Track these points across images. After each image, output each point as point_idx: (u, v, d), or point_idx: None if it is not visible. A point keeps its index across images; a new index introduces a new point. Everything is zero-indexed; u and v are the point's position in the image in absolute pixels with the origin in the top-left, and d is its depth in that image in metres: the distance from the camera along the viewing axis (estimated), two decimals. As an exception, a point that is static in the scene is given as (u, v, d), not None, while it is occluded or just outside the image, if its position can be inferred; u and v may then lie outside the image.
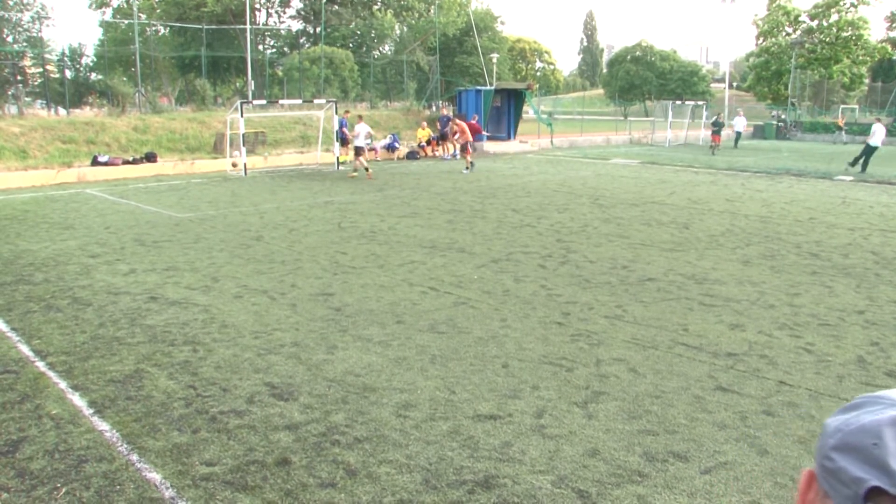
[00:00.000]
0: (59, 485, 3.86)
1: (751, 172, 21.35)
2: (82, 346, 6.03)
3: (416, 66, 40.00)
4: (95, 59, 38.56)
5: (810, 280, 8.37)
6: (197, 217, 12.63)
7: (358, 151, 19.44)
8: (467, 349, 5.94)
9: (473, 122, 26.46)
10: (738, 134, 33.21)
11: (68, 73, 34.12)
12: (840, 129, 33.68)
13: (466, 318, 6.77)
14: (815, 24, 57.77)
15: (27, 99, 32.57)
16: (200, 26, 36.88)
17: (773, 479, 3.93)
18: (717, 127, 29.55)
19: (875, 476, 0.74)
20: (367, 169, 19.24)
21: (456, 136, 24.27)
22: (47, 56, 34.18)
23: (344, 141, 23.63)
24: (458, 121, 22.71)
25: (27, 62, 34.76)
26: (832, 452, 0.79)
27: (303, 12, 49.80)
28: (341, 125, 23.63)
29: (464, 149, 21.66)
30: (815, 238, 10.95)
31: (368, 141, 20.20)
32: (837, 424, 0.81)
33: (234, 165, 19.91)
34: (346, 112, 24.63)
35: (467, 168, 20.75)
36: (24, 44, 42.73)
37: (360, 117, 20.47)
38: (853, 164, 21.63)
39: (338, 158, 22.16)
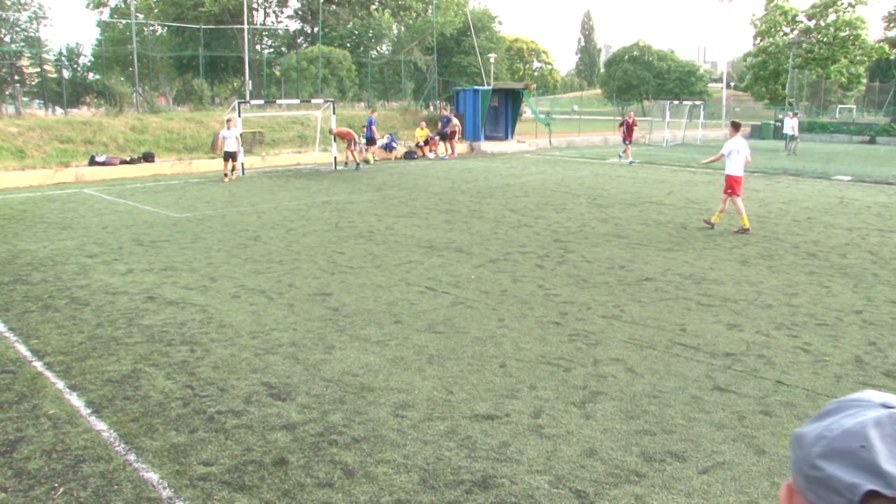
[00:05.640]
0: (56, 484, 3.86)
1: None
2: (80, 345, 6.02)
3: (413, 65, 39.97)
4: (93, 59, 38.59)
5: (808, 280, 8.38)
6: (195, 217, 12.61)
7: (231, 156, 18.66)
8: (465, 349, 5.93)
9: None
10: (791, 137, 29.64)
11: (66, 73, 34.11)
12: None
13: (464, 318, 6.77)
14: (812, 23, 57.84)
15: (24, 99, 32.58)
16: (198, 26, 36.86)
17: (771, 479, 3.93)
18: None
19: (868, 479, 0.72)
20: (227, 174, 18.64)
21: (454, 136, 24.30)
22: (45, 56, 34.11)
23: (371, 140, 23.52)
24: (340, 129, 22.15)
25: (25, 62, 34.74)
26: (818, 461, 0.77)
27: (300, 12, 49.81)
28: (370, 124, 23.40)
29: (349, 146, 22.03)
30: (813, 238, 10.96)
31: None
32: (818, 432, 0.79)
33: (367, 162, 20.44)
34: (373, 111, 24.59)
35: (356, 165, 21.86)
36: (22, 43, 42.66)
37: (229, 121, 18.95)
38: None
39: (366, 159, 22.98)
